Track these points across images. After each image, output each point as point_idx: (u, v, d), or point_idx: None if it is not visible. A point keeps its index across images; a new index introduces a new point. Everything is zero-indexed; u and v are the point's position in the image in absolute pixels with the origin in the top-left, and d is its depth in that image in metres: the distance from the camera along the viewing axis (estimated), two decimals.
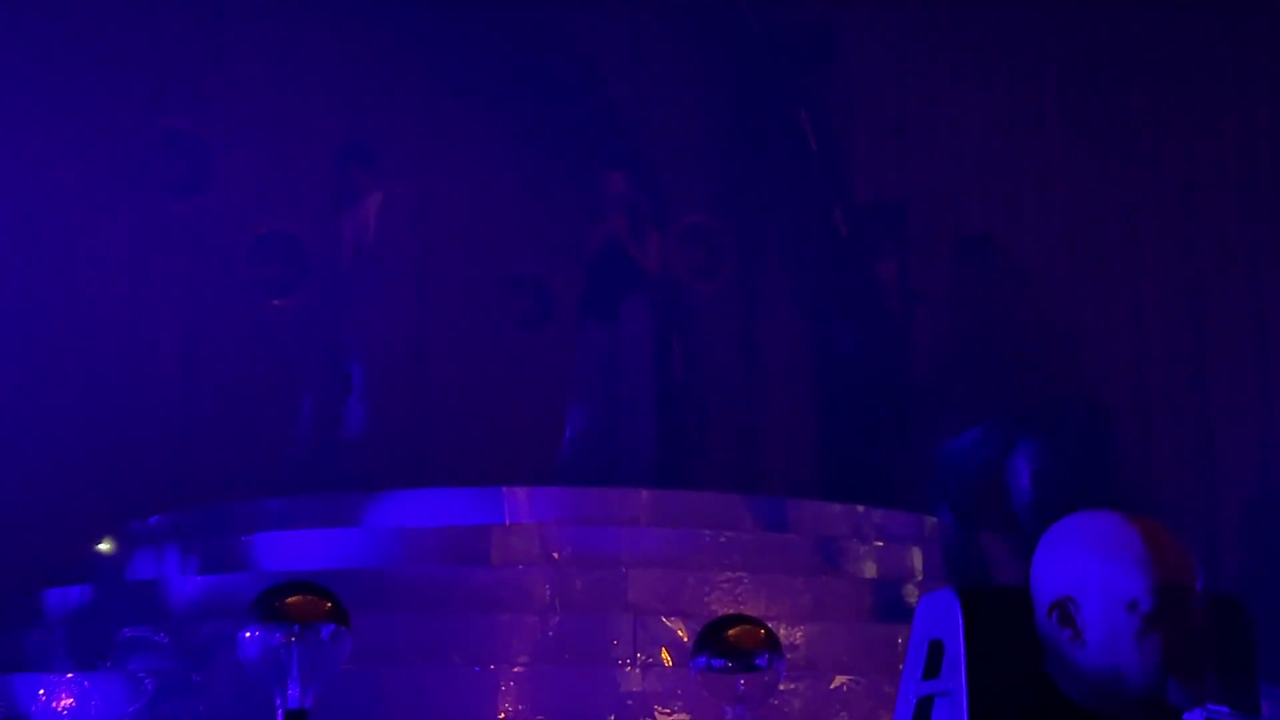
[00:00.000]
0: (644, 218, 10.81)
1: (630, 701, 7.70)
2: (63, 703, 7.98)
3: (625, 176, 11.07)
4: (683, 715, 7.66)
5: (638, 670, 7.83)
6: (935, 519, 9.28)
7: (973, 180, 12.34)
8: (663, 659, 7.99)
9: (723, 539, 9.01)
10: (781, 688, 7.41)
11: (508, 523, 9.05)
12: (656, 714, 7.69)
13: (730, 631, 5.11)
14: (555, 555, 8.75)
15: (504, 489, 9.28)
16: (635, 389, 10.92)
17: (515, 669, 7.75)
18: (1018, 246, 11.26)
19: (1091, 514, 2.69)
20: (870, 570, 9.38)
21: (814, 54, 12.02)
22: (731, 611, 7.48)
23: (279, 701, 4.45)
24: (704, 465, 11.66)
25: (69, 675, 8.09)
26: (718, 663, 5.08)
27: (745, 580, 8.60)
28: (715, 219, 12.40)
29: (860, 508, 9.96)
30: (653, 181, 11.59)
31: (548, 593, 8.40)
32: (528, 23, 12.38)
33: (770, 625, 5.35)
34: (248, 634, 4.50)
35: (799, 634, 8.26)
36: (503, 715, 7.63)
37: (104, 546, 10.41)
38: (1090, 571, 2.54)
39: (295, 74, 12.10)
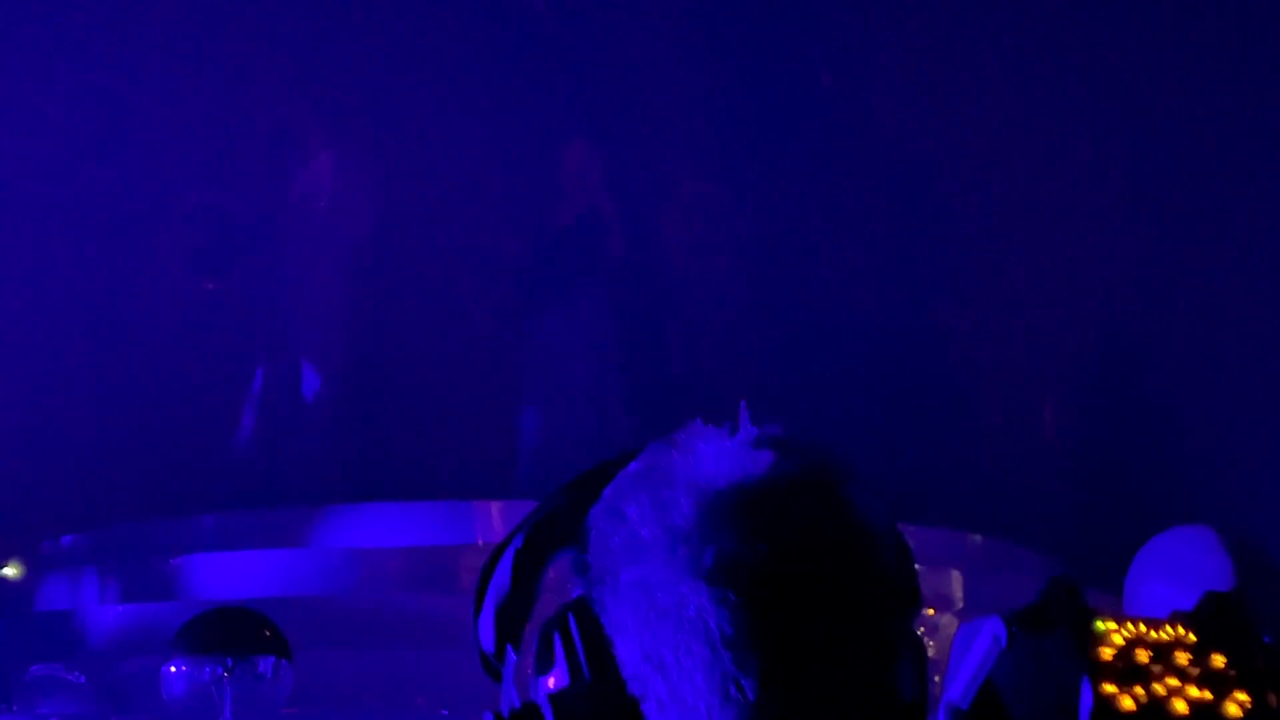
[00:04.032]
0: None
1: None
2: None
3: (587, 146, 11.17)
4: None
5: None
6: (978, 537, 9.29)
7: None
8: None
9: None
10: None
11: (480, 542, 9.05)
12: None
13: None
14: None
15: (475, 503, 9.28)
16: (597, 384, 10.88)
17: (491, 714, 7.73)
18: None
19: (1178, 530, 2.67)
20: None
21: None
22: None
23: None
24: None
25: None
26: None
27: None
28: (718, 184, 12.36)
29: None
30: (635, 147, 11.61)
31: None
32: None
33: None
34: (173, 669, 4.51)
35: None
36: None
37: (9, 571, 10.40)
38: (1148, 595, 2.56)
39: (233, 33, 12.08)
